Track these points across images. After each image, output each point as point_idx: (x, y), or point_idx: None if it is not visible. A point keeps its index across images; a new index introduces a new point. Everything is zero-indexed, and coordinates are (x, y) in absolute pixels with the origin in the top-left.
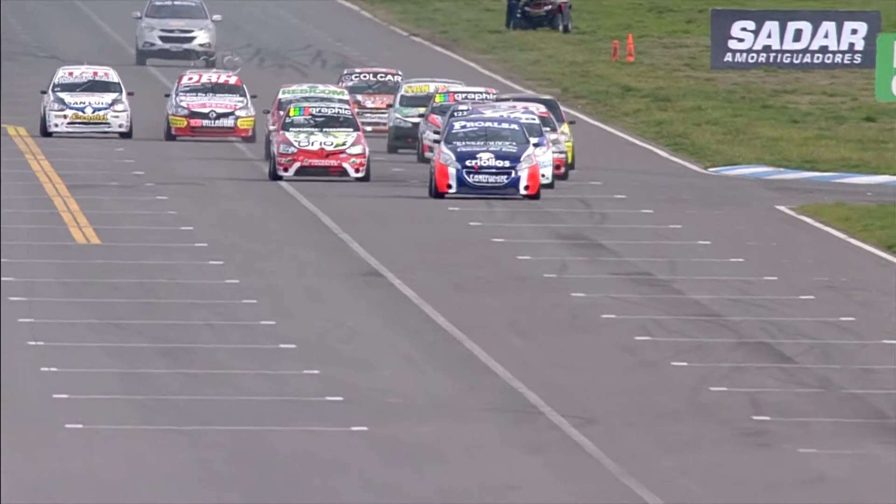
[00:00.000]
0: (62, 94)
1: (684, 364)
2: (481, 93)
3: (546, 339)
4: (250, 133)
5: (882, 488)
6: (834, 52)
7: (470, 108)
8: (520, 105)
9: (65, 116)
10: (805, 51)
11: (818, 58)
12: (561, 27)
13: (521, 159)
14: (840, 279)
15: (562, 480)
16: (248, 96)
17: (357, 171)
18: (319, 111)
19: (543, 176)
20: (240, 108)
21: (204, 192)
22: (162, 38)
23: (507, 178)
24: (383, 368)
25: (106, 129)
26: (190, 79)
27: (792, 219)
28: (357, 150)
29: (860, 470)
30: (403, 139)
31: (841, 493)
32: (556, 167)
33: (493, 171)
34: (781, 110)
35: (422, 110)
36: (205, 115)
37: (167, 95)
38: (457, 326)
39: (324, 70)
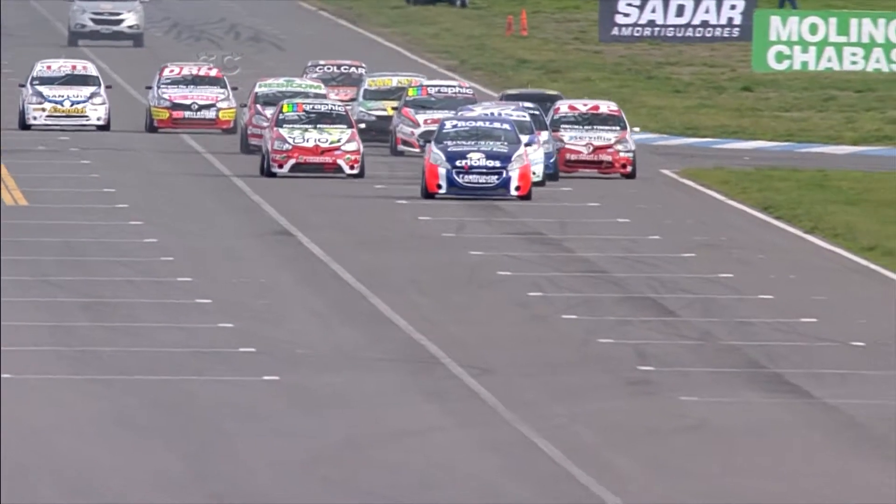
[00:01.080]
0: (41, 88)
1: (574, 317)
2: (454, 86)
3: (445, 295)
4: (232, 125)
5: (758, 433)
6: (714, 27)
7: (466, 107)
8: (511, 104)
9: (43, 109)
10: (687, 25)
11: (699, 32)
12: (458, 2)
13: (513, 159)
14: (719, 238)
15: (460, 426)
16: (230, 88)
17: (352, 167)
18: (313, 108)
19: (534, 174)
20: (221, 100)
21: (125, 157)
22: (93, 20)
23: (497, 179)
24: (293, 322)
25: (84, 122)
26: (171, 71)
27: (675, 182)
28: (352, 146)
29: (737, 416)
30: (368, 132)
31: (719, 438)
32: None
33: (484, 171)
34: (665, 81)
35: (384, 104)
36: (187, 107)
37: (148, 87)
38: (362, 283)
39: (237, 42)
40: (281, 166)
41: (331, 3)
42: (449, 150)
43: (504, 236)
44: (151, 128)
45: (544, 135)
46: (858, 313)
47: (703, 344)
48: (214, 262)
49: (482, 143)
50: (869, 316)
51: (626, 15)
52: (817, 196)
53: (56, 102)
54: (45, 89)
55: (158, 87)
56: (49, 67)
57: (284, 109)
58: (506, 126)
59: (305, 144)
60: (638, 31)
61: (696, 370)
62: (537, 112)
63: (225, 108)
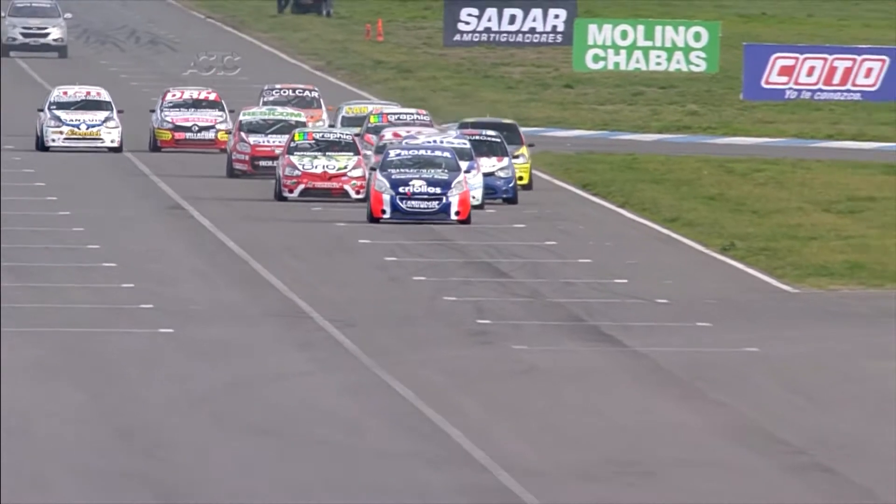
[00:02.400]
0: (58, 112)
1: (423, 279)
2: (412, 114)
3: (315, 260)
4: None
5: (578, 376)
6: (540, 33)
7: (410, 133)
8: (452, 132)
9: (61, 132)
10: (518, 32)
11: (528, 37)
12: (325, 12)
13: (452, 186)
14: (546, 211)
15: (326, 372)
16: (227, 111)
17: (358, 192)
18: (322, 136)
19: (474, 198)
20: (220, 122)
21: (58, 159)
22: (22, 33)
23: (438, 204)
24: (185, 282)
25: (99, 145)
26: (173, 95)
27: None
28: (357, 172)
29: (561, 362)
30: None
31: (546, 380)
32: (520, 178)
33: (425, 197)
34: (499, 79)
35: (360, 129)
36: (188, 129)
37: (152, 111)
38: (244, 249)
39: (137, 46)
40: (291, 191)
41: (217, 10)
42: (393, 177)
43: (364, 211)
44: (155, 147)
45: (505, 160)
46: (663, 275)
47: (533, 301)
48: (117, 232)
49: (424, 170)
50: (672, 277)
51: (467, 23)
52: (628, 176)
53: (73, 126)
54: (62, 113)
55: (161, 110)
56: (65, 93)
57: (296, 138)
58: (446, 154)
59: (314, 171)
60: (476, 37)
61: (526, 323)
62: (499, 140)
63: (223, 130)
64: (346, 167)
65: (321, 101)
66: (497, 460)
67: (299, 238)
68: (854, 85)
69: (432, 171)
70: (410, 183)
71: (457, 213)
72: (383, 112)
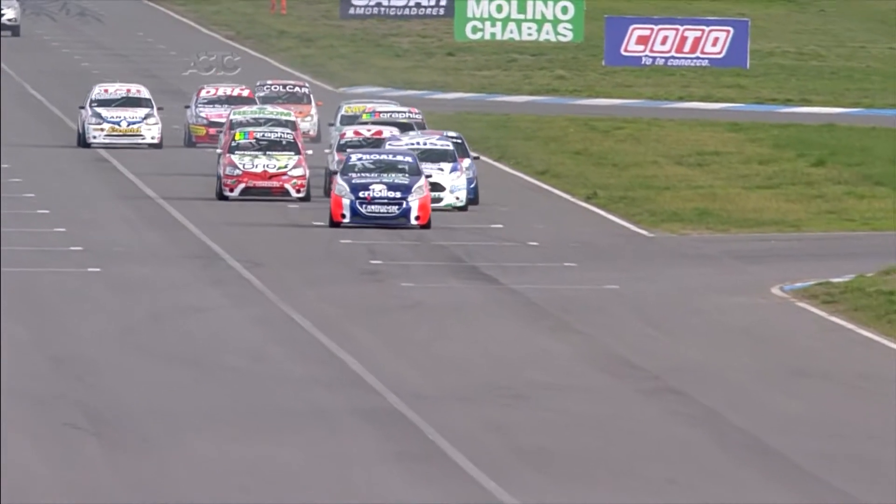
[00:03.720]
0: (99, 109)
1: (321, 224)
2: (404, 112)
3: (226, 208)
4: None
5: (459, 311)
6: (426, 7)
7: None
8: (436, 133)
9: (102, 129)
10: (405, 6)
11: (415, 11)
12: None
13: (413, 190)
14: None
15: (236, 306)
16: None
17: (298, 191)
18: (263, 135)
19: (458, 199)
20: None
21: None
22: None
23: (398, 209)
24: (111, 227)
25: (139, 141)
26: (208, 92)
27: None
28: (298, 171)
29: (444, 298)
30: None
31: (431, 314)
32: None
33: (385, 201)
34: (389, 48)
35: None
36: (221, 125)
37: (187, 107)
38: (162, 198)
39: (68, 17)
40: (232, 190)
41: None
42: (353, 182)
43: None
44: (190, 143)
45: (466, 161)
46: (534, 221)
47: (419, 244)
48: (50, 181)
49: (385, 175)
50: (542, 223)
51: None
52: (503, 133)
53: (114, 123)
54: (103, 111)
55: (196, 107)
56: (106, 91)
57: (237, 137)
58: (408, 158)
59: (254, 170)
60: (369, 10)
61: (413, 263)
62: (460, 140)
63: None
64: (286, 166)
65: (311, 96)
66: (387, 384)
67: (209, 184)
68: (703, 53)
69: (393, 175)
70: (371, 187)
71: (417, 218)
72: (376, 110)
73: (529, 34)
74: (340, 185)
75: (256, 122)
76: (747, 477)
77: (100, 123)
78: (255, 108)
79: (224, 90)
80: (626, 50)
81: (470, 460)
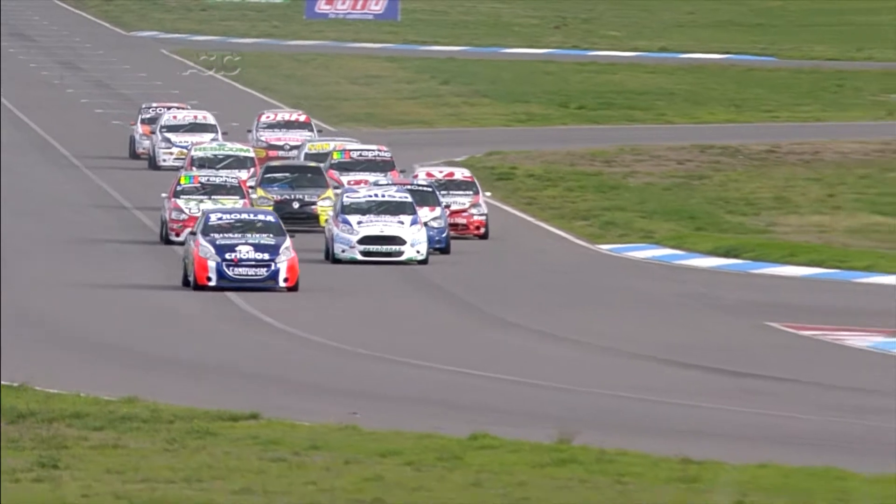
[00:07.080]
0: (168, 135)
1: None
2: (373, 150)
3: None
4: None
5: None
6: None
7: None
8: (392, 186)
9: (171, 153)
10: None
11: None
12: None
13: (280, 251)
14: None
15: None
16: (315, 131)
17: None
18: (208, 180)
19: (418, 253)
20: (307, 142)
21: None
22: None
23: (266, 271)
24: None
25: None
26: (268, 117)
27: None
28: None
29: None
30: None
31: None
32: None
33: (253, 263)
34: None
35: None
36: (280, 147)
37: (249, 131)
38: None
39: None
40: (178, 234)
41: None
42: (217, 243)
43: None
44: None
45: (437, 210)
46: None
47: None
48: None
49: (248, 235)
50: None
51: None
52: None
53: (182, 147)
54: (172, 136)
55: (257, 131)
56: (175, 117)
57: (182, 181)
58: (269, 218)
59: (199, 215)
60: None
61: None
62: (430, 189)
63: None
64: None
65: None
66: None
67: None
68: (369, 10)
69: (257, 236)
70: (237, 248)
71: (285, 280)
72: (346, 149)
73: None
74: (204, 246)
75: (216, 159)
76: None
77: (169, 148)
78: (215, 144)
79: (283, 115)
80: (319, 8)
81: None
